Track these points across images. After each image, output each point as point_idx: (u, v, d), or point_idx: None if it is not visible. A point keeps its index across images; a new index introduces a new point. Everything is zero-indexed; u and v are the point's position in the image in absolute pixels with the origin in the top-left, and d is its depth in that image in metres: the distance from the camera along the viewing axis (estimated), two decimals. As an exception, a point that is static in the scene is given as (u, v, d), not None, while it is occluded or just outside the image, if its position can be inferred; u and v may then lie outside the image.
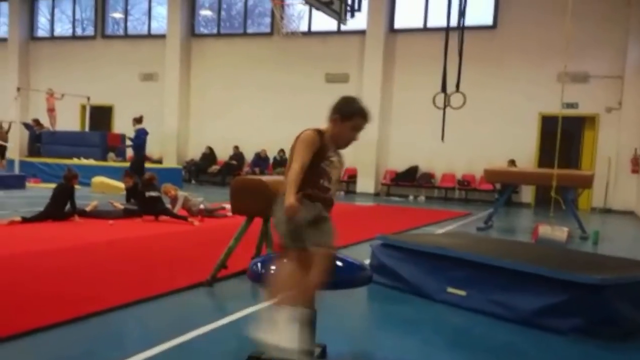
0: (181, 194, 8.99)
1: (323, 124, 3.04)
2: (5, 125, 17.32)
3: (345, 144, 3.01)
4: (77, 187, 8.19)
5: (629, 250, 7.22)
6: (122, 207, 8.50)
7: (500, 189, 12.23)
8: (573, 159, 15.65)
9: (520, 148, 15.37)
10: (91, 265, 4.90)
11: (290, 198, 2.65)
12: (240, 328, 3.48)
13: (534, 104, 15.22)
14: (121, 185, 10.53)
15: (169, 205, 8.53)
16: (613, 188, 14.62)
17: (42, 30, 21.68)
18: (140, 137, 12.50)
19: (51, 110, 17.13)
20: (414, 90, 16.05)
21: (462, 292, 4.16)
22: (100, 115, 19.58)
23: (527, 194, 15.73)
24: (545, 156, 14.79)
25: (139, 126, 12.63)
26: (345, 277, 2.68)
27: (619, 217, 13.40)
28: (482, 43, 15.23)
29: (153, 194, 8.31)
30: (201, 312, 3.85)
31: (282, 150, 16.85)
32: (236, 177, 4.72)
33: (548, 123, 14.58)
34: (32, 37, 21.50)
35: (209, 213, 8.70)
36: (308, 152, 2.81)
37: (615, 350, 3.34)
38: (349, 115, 2.96)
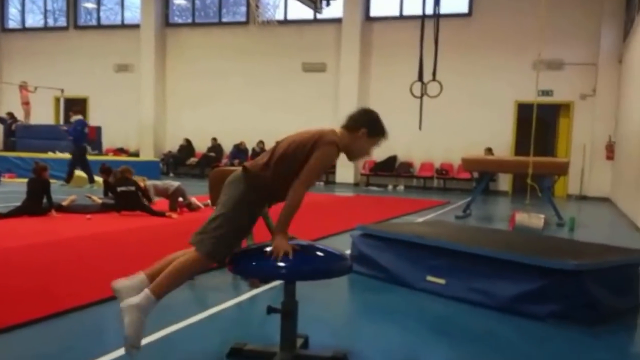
0: (149, 183, 8.76)
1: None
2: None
3: (359, 157, 2.89)
4: (52, 180, 8.05)
5: (605, 236, 7.35)
6: (100, 201, 8.39)
7: (477, 178, 12.35)
8: (549, 146, 15.85)
9: (497, 136, 15.52)
10: (69, 261, 4.84)
11: (285, 237, 2.55)
12: (222, 321, 3.48)
13: (510, 92, 15.37)
14: (99, 179, 10.39)
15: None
16: (588, 175, 14.86)
17: (13, 22, 21.24)
18: (77, 129, 12.39)
19: (25, 104, 16.83)
20: (391, 79, 16.09)
21: (441, 281, 4.20)
22: (75, 108, 19.27)
23: (504, 182, 15.91)
24: (521, 144, 14.97)
25: (76, 117, 12.58)
26: (325, 267, 2.67)
27: (595, 203, 13.64)
28: (458, 31, 15.31)
29: (125, 188, 7.98)
30: (182, 305, 3.82)
31: (261, 142, 16.78)
32: (215, 169, 4.68)
33: (524, 111, 14.74)
34: (3, 28, 21.07)
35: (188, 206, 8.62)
36: (323, 170, 2.70)
37: (592, 335, 3.41)
38: (378, 133, 2.78)
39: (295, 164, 2.62)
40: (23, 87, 16.84)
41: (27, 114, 16.87)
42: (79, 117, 12.65)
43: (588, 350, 3.16)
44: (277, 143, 2.76)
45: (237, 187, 2.67)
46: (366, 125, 2.75)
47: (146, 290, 2.57)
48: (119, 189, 8.03)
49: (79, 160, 12.21)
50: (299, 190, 2.59)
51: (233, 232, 2.64)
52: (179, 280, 2.66)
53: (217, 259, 2.64)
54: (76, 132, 12.30)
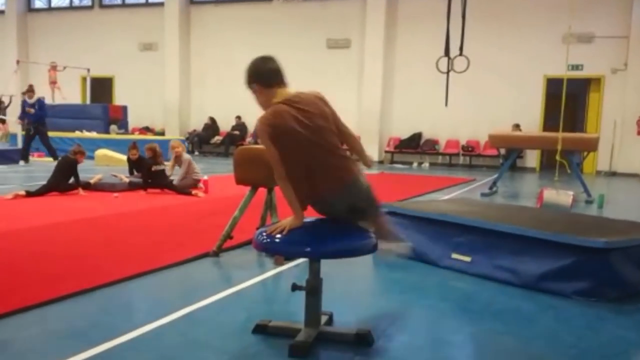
0: (187, 156, 8.69)
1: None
2: (5, 100, 17.23)
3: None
4: (82, 162, 8.17)
5: (634, 213, 7.21)
6: (126, 179, 8.49)
7: (504, 154, 12.18)
8: (578, 121, 15.55)
9: (525, 112, 15.26)
10: (97, 238, 4.92)
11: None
12: (247, 298, 3.51)
13: (539, 67, 15.05)
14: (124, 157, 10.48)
15: (170, 174, 8.51)
16: (618, 151, 14.56)
17: (39, 2, 21.42)
18: (44, 108, 12.83)
19: (53, 83, 17.04)
20: (416, 54, 15.88)
21: (467, 258, 4.17)
22: (101, 87, 19.48)
23: (531, 158, 15.68)
24: (550, 119, 14.71)
25: (37, 97, 12.93)
26: (350, 245, 2.67)
27: (625, 179, 13.37)
28: (486, 4, 15.00)
29: (159, 167, 8.29)
30: (208, 282, 3.87)
31: (284, 119, 16.75)
32: (239, 147, 4.68)
33: (553, 86, 14.45)
34: (29, 8, 21.27)
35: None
36: (270, 153, 2.69)
37: (619, 313, 3.36)
38: (266, 80, 2.84)
39: (346, 129, 2.88)
40: (52, 67, 17.03)
41: (58, 93, 17.08)
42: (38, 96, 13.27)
43: (613, 328, 3.12)
44: None
45: None
46: (254, 80, 2.75)
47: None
48: (154, 167, 8.22)
49: (48, 140, 12.70)
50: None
51: None
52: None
53: None
54: (43, 110, 12.73)
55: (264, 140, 2.63)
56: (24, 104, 12.63)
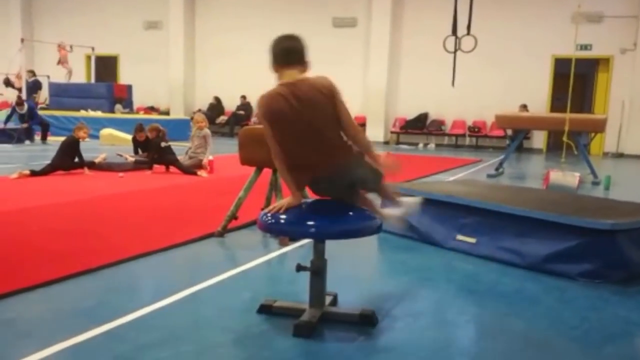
0: (208, 132, 8.70)
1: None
2: (12, 78, 17.21)
3: None
4: (86, 139, 8.18)
5: (641, 195, 7.17)
6: (132, 159, 8.51)
7: (511, 135, 12.10)
8: (586, 102, 15.42)
9: (532, 92, 15.13)
10: (101, 218, 4.94)
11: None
12: (252, 278, 3.52)
13: (547, 47, 14.89)
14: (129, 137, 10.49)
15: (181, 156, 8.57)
16: (626, 132, 14.45)
17: (43, -20, 21.23)
18: (34, 116, 13.09)
19: (63, 63, 16.97)
20: (423, 34, 15.72)
21: (471, 240, 4.16)
22: (106, 66, 19.40)
23: (538, 139, 15.60)
24: (557, 100, 14.60)
25: (34, 77, 13.67)
26: (354, 226, 2.67)
27: (632, 161, 13.30)
28: (494, -17, 14.78)
29: (166, 143, 8.39)
30: (213, 263, 3.89)
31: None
32: (244, 128, 4.66)
33: (561, 66, 14.30)
34: (33, -14, 21.10)
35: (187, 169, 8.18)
36: (267, 132, 2.71)
37: (623, 294, 3.36)
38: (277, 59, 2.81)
39: (347, 116, 2.77)
40: (61, 47, 16.95)
41: (69, 72, 17.07)
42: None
43: (616, 309, 3.12)
44: None
45: None
46: (270, 58, 2.74)
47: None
48: (163, 144, 8.31)
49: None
50: (360, 129, 2.82)
51: None
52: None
53: None
54: (33, 119, 12.90)
55: (260, 119, 2.72)
56: (13, 110, 12.82)
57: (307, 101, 2.61)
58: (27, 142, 12.42)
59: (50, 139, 12.70)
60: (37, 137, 12.87)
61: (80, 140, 7.91)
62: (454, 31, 9.39)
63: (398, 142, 16.64)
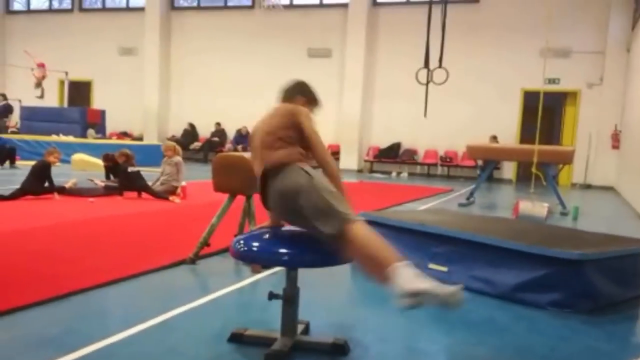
0: (179, 159, 8.63)
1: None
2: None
3: None
4: (57, 164, 8.07)
5: (609, 226, 7.34)
6: (102, 184, 8.41)
7: (482, 165, 12.30)
8: (554, 134, 15.79)
9: (502, 124, 15.47)
10: (71, 244, 4.85)
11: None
12: (223, 306, 3.49)
13: (517, 80, 15.29)
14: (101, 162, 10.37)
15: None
16: (593, 163, 14.82)
17: (18, 4, 21.17)
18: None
19: (40, 80, 16.62)
20: (397, 65, 16.02)
21: (443, 268, 4.20)
22: (79, 91, 19.26)
23: (508, 170, 15.89)
24: (526, 132, 14.92)
25: (4, 102, 13.93)
26: (327, 254, 2.67)
27: (599, 192, 13.60)
28: (466, 17, 15.21)
29: (134, 169, 8.29)
30: (184, 290, 3.84)
31: (264, 127, 16.73)
32: (218, 154, 4.67)
33: (530, 99, 14.67)
34: (7, 10, 21.01)
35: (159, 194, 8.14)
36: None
37: (593, 324, 3.41)
38: (316, 102, 3.13)
39: (312, 134, 2.90)
40: (40, 64, 16.64)
41: (42, 90, 16.63)
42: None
43: (587, 339, 3.16)
44: None
45: None
46: (304, 94, 3.06)
47: None
48: (130, 169, 8.23)
49: None
50: (326, 151, 2.92)
51: None
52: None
53: None
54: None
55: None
56: None
57: (266, 118, 2.91)
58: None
59: (19, 163, 12.49)
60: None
61: (52, 164, 7.80)
62: (426, 63, 9.59)
63: (371, 171, 16.77)
